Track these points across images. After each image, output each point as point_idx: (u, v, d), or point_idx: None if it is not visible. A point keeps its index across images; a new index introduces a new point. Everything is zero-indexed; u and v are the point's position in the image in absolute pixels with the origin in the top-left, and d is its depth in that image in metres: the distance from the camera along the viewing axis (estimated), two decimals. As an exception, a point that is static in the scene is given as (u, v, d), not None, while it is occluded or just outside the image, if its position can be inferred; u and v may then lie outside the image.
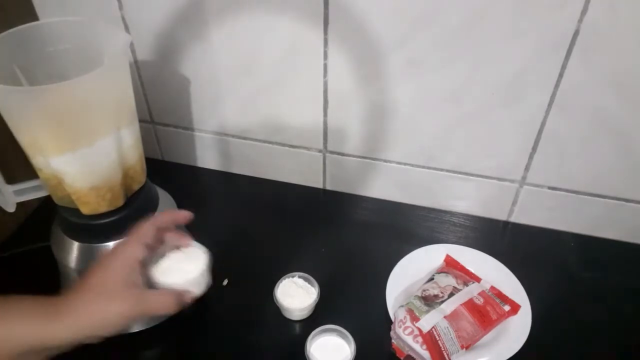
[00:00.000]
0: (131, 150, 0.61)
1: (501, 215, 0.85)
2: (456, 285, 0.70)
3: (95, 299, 0.47)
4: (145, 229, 0.51)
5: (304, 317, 0.70)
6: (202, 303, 0.72)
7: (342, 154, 0.85)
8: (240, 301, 0.73)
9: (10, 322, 0.44)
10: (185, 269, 0.53)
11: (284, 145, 0.87)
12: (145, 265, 0.51)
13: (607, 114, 0.69)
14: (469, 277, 0.73)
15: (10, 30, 0.57)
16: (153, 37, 0.79)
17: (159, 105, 0.90)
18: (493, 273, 0.74)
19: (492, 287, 0.72)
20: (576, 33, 0.63)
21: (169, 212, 0.55)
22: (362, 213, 0.88)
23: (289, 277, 0.72)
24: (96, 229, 0.61)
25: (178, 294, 0.51)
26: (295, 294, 0.69)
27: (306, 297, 0.69)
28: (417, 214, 0.86)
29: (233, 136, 0.89)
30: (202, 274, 0.54)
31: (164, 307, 0.50)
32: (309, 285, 0.71)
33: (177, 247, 0.55)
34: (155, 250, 0.53)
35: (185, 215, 0.55)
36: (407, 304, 0.67)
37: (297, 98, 0.80)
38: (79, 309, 0.46)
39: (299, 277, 0.72)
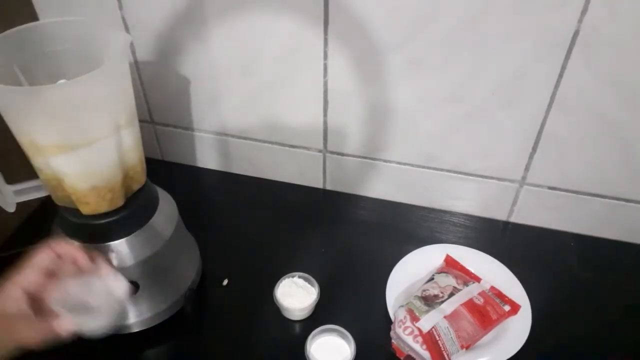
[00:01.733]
0: (131, 150, 0.61)
1: (501, 215, 0.85)
2: (456, 285, 0.70)
3: None
4: (41, 256, 0.49)
5: (304, 317, 0.70)
6: (202, 303, 0.73)
7: (342, 154, 0.85)
8: (240, 301, 0.73)
9: None
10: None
11: (284, 145, 0.87)
12: (43, 290, 0.49)
13: (607, 114, 0.69)
14: (469, 277, 0.73)
15: (10, 30, 0.57)
16: (153, 37, 0.80)
17: (159, 105, 0.90)
18: (493, 273, 0.74)
19: (492, 287, 0.72)
20: (576, 33, 0.63)
21: (71, 247, 0.52)
22: (362, 213, 0.88)
23: (289, 277, 0.72)
24: (96, 229, 0.61)
25: (51, 327, 0.48)
26: (295, 294, 0.69)
27: (306, 297, 0.69)
28: (417, 214, 0.86)
29: (233, 136, 0.89)
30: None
31: (30, 339, 0.47)
32: (309, 285, 0.71)
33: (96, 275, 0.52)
34: (59, 274, 0.50)
35: (85, 257, 0.52)
36: (407, 304, 0.67)
37: (297, 98, 0.80)
38: None
39: (299, 277, 0.72)
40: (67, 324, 0.48)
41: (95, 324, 0.52)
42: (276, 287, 0.70)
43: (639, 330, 0.70)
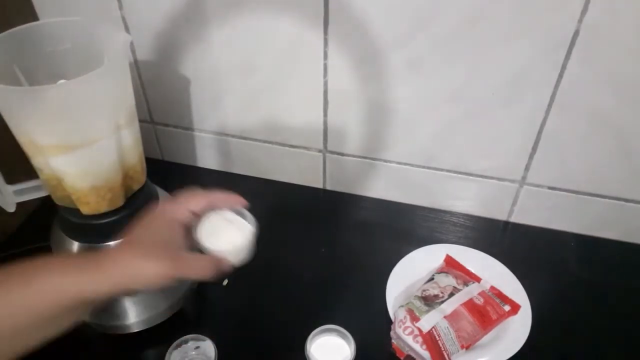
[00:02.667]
0: (131, 150, 0.61)
1: (501, 215, 0.85)
2: (456, 285, 0.70)
3: (133, 255, 0.47)
4: (197, 200, 0.52)
5: (242, 262, 0.53)
6: (202, 303, 0.73)
7: (342, 154, 0.85)
8: (240, 301, 0.73)
9: (52, 273, 0.45)
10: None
11: (284, 145, 0.87)
12: (191, 228, 0.51)
13: (607, 114, 0.69)
14: (469, 277, 0.73)
15: (10, 30, 0.57)
16: (153, 37, 0.80)
17: (159, 105, 0.90)
18: (493, 273, 0.74)
19: (492, 287, 0.72)
20: (576, 33, 0.63)
21: (225, 195, 0.54)
22: (362, 213, 0.88)
23: (214, 212, 0.54)
24: (96, 229, 0.61)
25: (217, 260, 0.50)
26: (223, 233, 0.53)
27: (237, 234, 0.52)
28: (417, 214, 0.86)
29: (233, 136, 0.89)
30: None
31: (200, 271, 0.49)
32: (243, 220, 0.54)
33: (224, 214, 0.54)
34: (202, 216, 0.53)
35: (240, 201, 0.54)
36: (407, 304, 0.67)
37: (297, 98, 0.80)
38: (117, 263, 0.46)
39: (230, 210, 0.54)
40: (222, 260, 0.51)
41: (235, 259, 0.52)
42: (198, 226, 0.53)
43: (639, 330, 0.70)
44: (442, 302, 0.67)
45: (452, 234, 0.83)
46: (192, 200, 0.52)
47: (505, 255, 0.77)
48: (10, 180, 0.62)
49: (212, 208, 0.53)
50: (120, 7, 0.78)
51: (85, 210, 0.60)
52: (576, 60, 0.65)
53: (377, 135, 0.81)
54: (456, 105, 0.74)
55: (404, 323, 0.65)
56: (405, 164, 0.83)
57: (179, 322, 0.69)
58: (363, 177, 0.87)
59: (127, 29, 0.80)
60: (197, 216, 0.52)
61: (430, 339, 0.63)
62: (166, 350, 0.63)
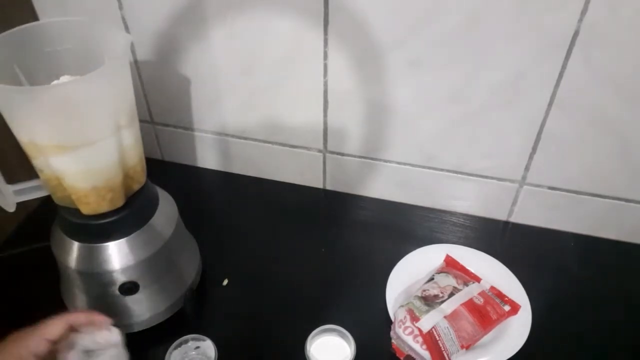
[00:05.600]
0: (131, 150, 0.61)
1: (501, 215, 0.85)
2: (456, 285, 0.70)
3: None
4: (53, 327, 0.50)
5: None
6: (202, 303, 0.73)
7: (342, 154, 0.85)
8: (240, 301, 0.73)
9: None
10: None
11: (284, 145, 0.87)
12: (56, 355, 0.50)
13: (607, 114, 0.69)
14: (469, 277, 0.73)
15: (10, 30, 0.57)
16: (153, 37, 0.80)
17: (159, 105, 0.90)
18: (493, 273, 0.74)
19: (492, 287, 0.72)
20: (576, 33, 0.63)
21: (86, 313, 0.53)
22: (362, 213, 0.88)
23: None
24: (96, 229, 0.61)
25: None
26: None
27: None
28: (417, 214, 0.86)
29: (233, 136, 0.89)
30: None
31: None
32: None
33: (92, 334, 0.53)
34: (64, 343, 0.51)
35: (101, 319, 0.53)
36: (407, 304, 0.67)
37: (297, 98, 0.80)
38: None
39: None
40: None
41: None
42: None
43: (639, 330, 0.70)
44: (442, 302, 0.67)
45: (452, 234, 0.83)
46: (48, 327, 0.49)
47: (505, 255, 0.77)
48: (10, 180, 0.62)
49: (74, 330, 0.51)
50: (120, 7, 0.78)
51: (85, 210, 0.60)
52: (576, 60, 0.65)
53: (377, 135, 0.81)
54: (456, 105, 0.74)
55: (404, 323, 0.65)
56: (405, 164, 0.83)
57: (179, 322, 0.69)
58: (363, 177, 0.87)
59: (127, 29, 0.80)
60: (58, 343, 0.50)
61: (430, 339, 0.63)
62: (166, 350, 0.63)
